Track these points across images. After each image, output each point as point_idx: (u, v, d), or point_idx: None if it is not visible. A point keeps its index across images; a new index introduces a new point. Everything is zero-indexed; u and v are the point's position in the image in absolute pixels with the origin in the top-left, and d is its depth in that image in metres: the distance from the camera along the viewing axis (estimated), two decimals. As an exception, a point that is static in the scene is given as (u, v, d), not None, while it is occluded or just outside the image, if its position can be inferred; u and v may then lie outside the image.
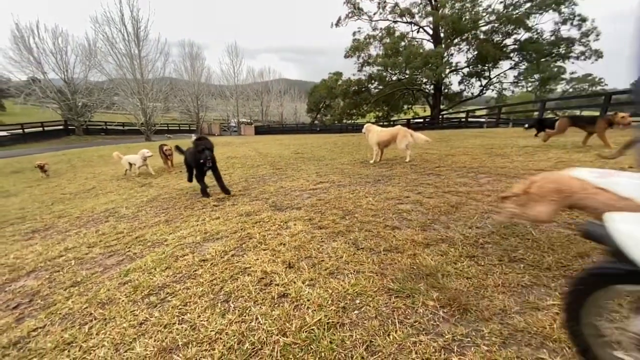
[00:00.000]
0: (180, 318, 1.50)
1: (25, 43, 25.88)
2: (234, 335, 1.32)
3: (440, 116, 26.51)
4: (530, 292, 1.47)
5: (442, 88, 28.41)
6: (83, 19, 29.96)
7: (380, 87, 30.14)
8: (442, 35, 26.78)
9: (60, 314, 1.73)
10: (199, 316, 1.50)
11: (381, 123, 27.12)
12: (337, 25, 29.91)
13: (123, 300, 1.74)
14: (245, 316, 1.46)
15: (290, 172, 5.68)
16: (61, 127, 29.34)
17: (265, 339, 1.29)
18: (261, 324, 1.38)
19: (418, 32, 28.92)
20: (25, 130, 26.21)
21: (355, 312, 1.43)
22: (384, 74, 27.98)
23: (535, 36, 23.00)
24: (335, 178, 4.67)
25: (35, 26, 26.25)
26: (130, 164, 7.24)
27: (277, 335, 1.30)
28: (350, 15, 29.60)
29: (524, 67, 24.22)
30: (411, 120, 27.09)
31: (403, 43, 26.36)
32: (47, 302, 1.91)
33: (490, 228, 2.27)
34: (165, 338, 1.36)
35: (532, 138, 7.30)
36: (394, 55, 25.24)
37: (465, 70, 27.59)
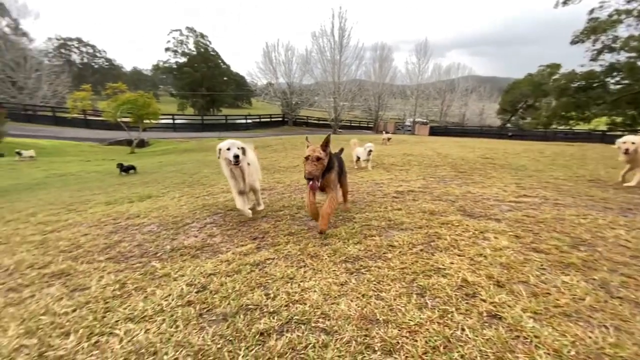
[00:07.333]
0: (376, 294, 1.54)
1: (269, 56, 36.12)
2: (437, 336, 1.19)
3: None
4: None
5: None
6: (304, 33, 39.02)
7: (627, 81, 21.02)
8: None
9: (282, 253, 2.20)
10: (395, 299, 1.47)
11: (620, 132, 18.99)
12: (565, 3, 23.05)
13: (326, 259, 2.00)
14: (447, 320, 1.30)
15: (478, 177, 4.92)
16: (280, 119, 39.38)
17: None
18: (470, 339, 1.18)
19: None
20: (261, 119, 37.11)
21: (625, 387, 0.96)
22: (639, 63, 19.22)
23: None
24: (549, 194, 3.61)
25: (276, 44, 36.20)
26: (358, 157, 6.58)
27: (494, 361, 1.06)
28: (592, -15, 22.04)
29: None
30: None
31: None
32: (274, 241, 2.49)
33: None
34: (365, 307, 1.42)
35: None
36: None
37: None
